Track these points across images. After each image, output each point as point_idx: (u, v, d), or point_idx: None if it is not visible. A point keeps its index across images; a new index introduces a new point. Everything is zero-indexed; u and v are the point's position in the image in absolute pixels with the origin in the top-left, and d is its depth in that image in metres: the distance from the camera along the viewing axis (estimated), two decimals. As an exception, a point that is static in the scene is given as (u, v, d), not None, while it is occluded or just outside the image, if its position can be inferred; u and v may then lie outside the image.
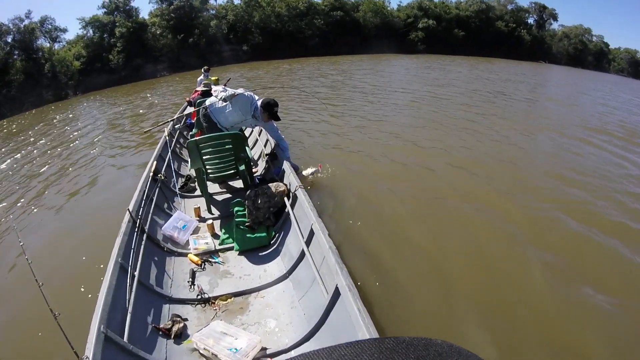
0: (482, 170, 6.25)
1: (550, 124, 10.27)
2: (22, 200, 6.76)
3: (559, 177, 6.22)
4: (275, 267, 3.12)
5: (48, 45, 34.88)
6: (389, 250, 3.93)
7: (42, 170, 8.73)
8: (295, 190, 3.59)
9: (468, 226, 4.50)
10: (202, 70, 9.32)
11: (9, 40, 31.34)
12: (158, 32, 37.83)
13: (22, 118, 22.53)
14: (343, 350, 0.35)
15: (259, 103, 4.23)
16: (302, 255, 2.92)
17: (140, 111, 15.55)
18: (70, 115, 19.04)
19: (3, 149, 12.77)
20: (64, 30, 36.53)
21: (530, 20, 52.06)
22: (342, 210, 4.72)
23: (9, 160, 10.42)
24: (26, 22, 32.43)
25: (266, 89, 11.57)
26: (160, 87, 23.39)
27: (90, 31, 36.77)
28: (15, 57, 31.04)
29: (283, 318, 2.56)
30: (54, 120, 17.91)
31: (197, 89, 7.99)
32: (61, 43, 36.64)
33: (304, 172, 4.80)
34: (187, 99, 8.59)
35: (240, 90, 4.25)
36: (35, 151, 11.06)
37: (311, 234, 2.94)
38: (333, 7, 42.74)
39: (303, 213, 3.24)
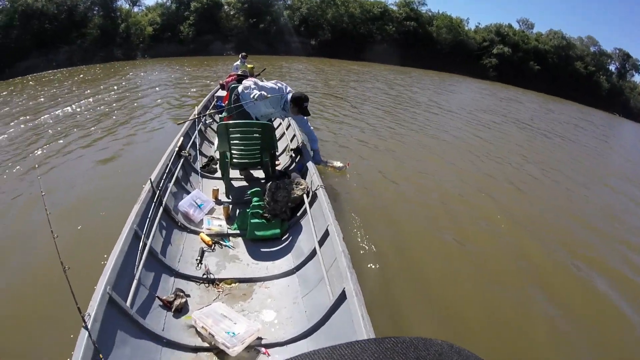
0: (529, 221, 5.65)
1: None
2: (60, 148, 6.96)
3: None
4: (284, 261, 3.13)
5: (127, 7, 36.42)
6: (402, 268, 3.88)
7: (94, 120, 9.23)
8: (315, 189, 3.57)
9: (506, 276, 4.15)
10: (240, 55, 9.47)
11: None
12: (232, 13, 38.29)
13: (92, 69, 23.76)
14: (343, 350, 0.35)
15: (289, 97, 4.24)
16: (312, 253, 2.92)
17: (200, 81, 16.22)
18: (142, 74, 20.37)
19: (76, 92, 13.90)
20: None
21: (612, 67, 49.13)
22: (365, 218, 4.64)
23: (72, 106, 11.07)
24: None
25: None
26: (225, 65, 23.46)
27: (169, 1, 37.66)
28: (94, 12, 32.46)
29: (284, 312, 2.57)
30: (127, 76, 19.28)
31: (232, 73, 8.02)
32: (140, 7, 38.25)
33: (333, 164, 4.91)
34: (221, 82, 8.50)
35: (270, 84, 4.25)
36: (95, 101, 11.89)
37: (325, 234, 2.92)
38: (408, 16, 41.76)
39: (320, 213, 3.23)
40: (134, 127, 8.61)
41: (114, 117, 9.51)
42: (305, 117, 4.53)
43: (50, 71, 24.27)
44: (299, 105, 4.20)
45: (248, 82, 4.29)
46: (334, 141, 8.03)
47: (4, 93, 15.36)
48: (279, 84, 4.29)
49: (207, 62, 27.03)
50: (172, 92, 14.35)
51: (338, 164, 5.00)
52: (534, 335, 3.24)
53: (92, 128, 8.45)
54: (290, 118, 5.87)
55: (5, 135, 8.15)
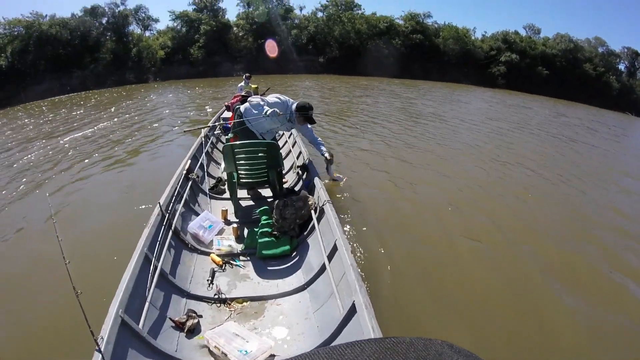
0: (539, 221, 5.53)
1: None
2: (70, 173, 7.16)
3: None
4: (294, 278, 3.13)
5: (138, 31, 37.61)
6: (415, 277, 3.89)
7: (104, 144, 9.37)
8: (323, 205, 3.59)
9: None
10: (244, 77, 9.55)
11: (104, 22, 34.04)
12: (240, 34, 39.04)
13: (105, 93, 24.51)
14: (343, 350, 0.36)
15: (294, 107, 4.26)
16: (322, 269, 2.93)
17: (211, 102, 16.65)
18: (154, 97, 21.02)
19: (88, 117, 14.40)
20: (156, 20, 39.56)
21: (621, 67, 48.33)
22: (375, 229, 4.70)
23: (84, 130, 11.55)
24: (121, 8, 35.31)
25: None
26: (234, 85, 23.99)
27: (179, 24, 38.82)
28: (107, 38, 33.51)
29: (296, 328, 2.57)
30: (139, 99, 20.19)
31: (237, 93, 8.30)
32: (152, 31, 39.49)
33: (333, 174, 4.97)
34: (226, 103, 8.75)
35: (274, 99, 4.29)
36: (107, 126, 12.19)
37: (334, 249, 2.94)
38: (414, 29, 42.03)
39: (328, 228, 3.26)
40: (143, 150, 8.76)
41: (124, 141, 9.72)
42: (310, 126, 4.56)
43: (65, 95, 24.78)
44: (305, 115, 4.26)
45: (254, 99, 4.33)
46: (343, 153, 8.14)
47: (20, 114, 15.69)
48: (281, 98, 4.33)
49: (217, 82, 27.88)
50: (182, 113, 14.75)
51: (338, 175, 5.15)
52: (558, 342, 3.16)
53: (102, 153, 8.63)
54: (295, 134, 6.05)
55: (19, 161, 8.39)
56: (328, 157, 4.73)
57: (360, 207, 5.28)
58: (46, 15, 30.74)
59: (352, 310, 2.25)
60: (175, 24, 39.14)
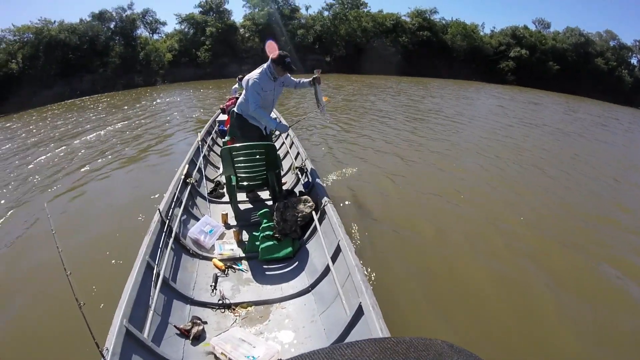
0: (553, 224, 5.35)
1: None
2: (70, 181, 7.10)
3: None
4: (298, 280, 3.11)
5: (146, 35, 38.06)
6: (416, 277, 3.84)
7: (106, 149, 9.37)
8: (324, 205, 3.55)
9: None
10: (237, 79, 9.31)
11: (112, 26, 34.55)
12: (247, 35, 39.17)
13: (115, 96, 24.93)
14: (343, 350, 0.36)
15: (267, 63, 3.99)
16: (326, 270, 2.91)
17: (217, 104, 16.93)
18: (161, 99, 21.48)
19: (96, 121, 14.84)
20: (164, 24, 40.08)
21: (633, 61, 47.10)
22: (378, 228, 4.71)
23: (90, 135, 11.81)
24: (128, 12, 35.82)
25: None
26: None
27: (186, 27, 39.15)
28: (115, 42, 33.94)
29: (302, 331, 2.55)
30: (147, 102, 20.65)
31: (232, 96, 8.20)
32: (160, 35, 39.87)
33: (323, 98, 4.39)
34: (221, 106, 8.70)
35: (256, 74, 4.01)
36: (113, 130, 12.30)
37: (337, 250, 2.92)
38: (421, 26, 41.79)
39: (330, 229, 3.24)
40: (144, 155, 8.75)
41: (128, 146, 9.74)
42: (290, 75, 4.27)
43: (77, 99, 25.12)
44: (282, 64, 3.95)
45: (244, 91, 4.16)
46: (347, 150, 8.16)
47: (34, 117, 15.98)
48: (260, 68, 4.06)
49: (224, 84, 27.74)
50: (189, 114, 14.85)
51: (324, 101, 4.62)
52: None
53: (104, 158, 8.63)
54: (292, 135, 6.03)
55: (25, 166, 8.53)
56: (316, 76, 4.27)
57: (362, 207, 5.24)
58: (55, 21, 31.29)
59: (359, 312, 2.23)
60: (182, 27, 39.59)
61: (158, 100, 20.38)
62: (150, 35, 38.68)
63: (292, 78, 4.30)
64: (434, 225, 4.93)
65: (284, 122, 6.07)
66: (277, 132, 6.22)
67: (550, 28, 47.06)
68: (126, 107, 18.04)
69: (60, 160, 8.76)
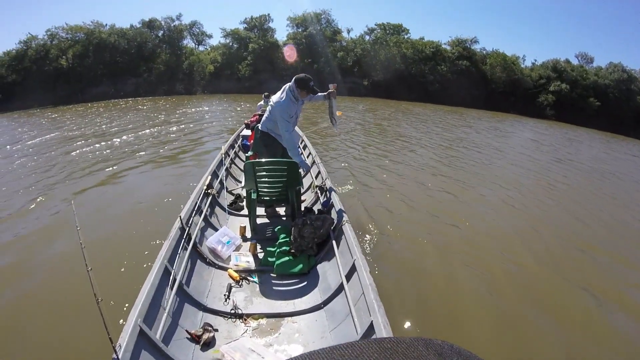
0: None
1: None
2: (98, 178, 7.46)
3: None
4: (311, 296, 3.13)
5: (191, 46, 39.80)
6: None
7: (140, 150, 9.87)
8: (341, 225, 3.59)
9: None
10: (263, 96, 9.42)
11: (160, 34, 36.23)
12: (288, 54, 40.03)
13: (158, 100, 26.03)
14: (343, 351, 0.36)
15: (292, 84, 4.07)
16: (340, 288, 2.94)
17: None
18: (198, 109, 21.88)
19: (139, 122, 15.50)
20: (210, 36, 41.86)
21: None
22: (393, 250, 4.77)
23: (127, 135, 12.86)
24: (176, 22, 37.78)
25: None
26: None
27: (230, 41, 40.55)
28: (161, 49, 35.66)
29: (311, 346, 2.57)
30: (190, 108, 21.45)
31: (256, 112, 8.23)
32: (205, 46, 41.44)
33: (336, 112, 4.47)
34: (246, 121, 8.83)
35: (276, 98, 4.17)
36: (151, 133, 13.01)
37: (352, 269, 2.94)
38: (460, 55, 41.62)
39: (346, 247, 3.28)
40: (172, 161, 9.00)
41: (159, 150, 10.13)
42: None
43: (120, 100, 26.00)
44: (307, 88, 4.07)
45: (275, 113, 4.18)
46: (374, 174, 8.17)
47: (81, 110, 16.47)
48: (279, 93, 4.20)
49: (261, 99, 28.71)
50: (223, 124, 15.40)
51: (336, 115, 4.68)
52: None
53: (136, 159, 8.98)
54: (314, 155, 6.13)
55: (59, 157, 9.07)
56: (331, 90, 4.38)
57: (378, 229, 5.24)
58: (106, 25, 33.07)
59: (370, 330, 2.26)
60: (226, 41, 40.86)
61: (197, 109, 21.04)
62: (196, 46, 40.27)
63: (311, 97, 4.40)
64: (447, 253, 4.87)
65: (307, 160, 6.26)
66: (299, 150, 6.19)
67: (594, 63, 46.05)
68: (166, 112, 18.76)
69: (97, 155, 9.21)
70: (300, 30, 41.89)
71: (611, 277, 4.86)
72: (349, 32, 45.59)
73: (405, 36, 43.59)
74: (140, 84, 30.70)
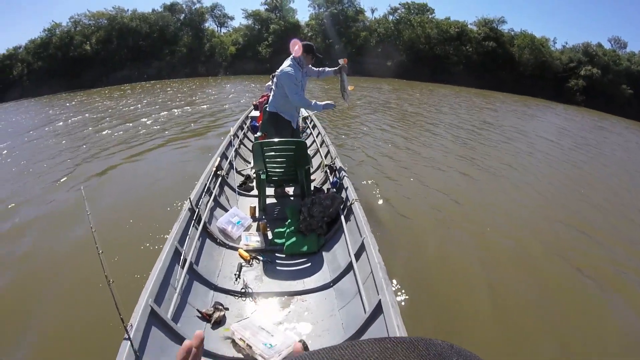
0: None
1: None
2: (111, 162, 7.56)
3: None
4: (320, 275, 3.15)
5: (212, 28, 40.04)
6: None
7: (155, 133, 9.98)
8: (351, 204, 3.61)
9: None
10: (271, 76, 9.11)
11: (181, 17, 36.44)
12: (309, 35, 39.40)
13: (181, 82, 26.65)
14: (343, 351, 0.36)
15: (292, 55, 4.19)
16: (349, 267, 2.96)
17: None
18: (219, 90, 22.78)
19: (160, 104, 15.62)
20: (232, 18, 41.69)
21: None
22: (403, 227, 4.82)
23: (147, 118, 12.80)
24: (197, 5, 37.95)
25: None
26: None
27: (252, 22, 40.39)
28: (183, 32, 35.85)
29: (321, 324, 2.59)
30: (207, 89, 21.75)
31: (265, 93, 8.01)
32: (227, 29, 41.74)
33: (348, 87, 4.47)
34: (254, 102, 8.81)
35: (286, 67, 4.17)
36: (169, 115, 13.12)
37: (361, 247, 2.96)
38: (487, 36, 40.16)
39: (355, 227, 3.28)
40: (189, 142, 9.13)
41: (179, 132, 10.28)
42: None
43: (145, 82, 26.31)
44: (311, 52, 4.19)
45: (282, 84, 4.20)
46: (388, 155, 8.04)
47: (114, 94, 16.70)
48: (287, 61, 4.22)
49: None
50: (242, 104, 15.21)
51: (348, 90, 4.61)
52: None
53: (153, 141, 9.16)
54: (323, 134, 6.12)
55: (85, 138, 9.23)
56: (342, 64, 4.36)
57: (389, 208, 5.29)
58: (128, 10, 33.24)
59: (378, 309, 2.26)
60: (248, 22, 40.61)
61: (217, 90, 21.40)
62: (218, 28, 40.14)
63: (313, 68, 4.45)
64: (458, 235, 4.86)
65: (326, 102, 6.13)
66: (308, 130, 6.52)
67: (627, 48, 44.02)
68: (189, 93, 19.14)
69: (120, 137, 9.44)
70: (322, 10, 41.07)
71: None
72: (373, 12, 44.56)
73: (430, 16, 42.24)
74: (163, 67, 31.20)
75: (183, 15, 36.15)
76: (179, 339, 2.19)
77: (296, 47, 4.14)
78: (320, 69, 4.52)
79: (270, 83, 9.08)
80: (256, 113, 7.77)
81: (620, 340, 3.34)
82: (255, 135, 6.25)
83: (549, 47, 41.29)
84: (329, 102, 4.34)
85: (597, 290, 4.03)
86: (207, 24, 38.38)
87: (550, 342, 3.15)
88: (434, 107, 18.25)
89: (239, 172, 5.27)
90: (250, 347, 2.24)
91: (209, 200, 3.92)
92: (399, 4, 43.02)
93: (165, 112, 13.17)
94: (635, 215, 6.40)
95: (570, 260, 4.51)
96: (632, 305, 3.80)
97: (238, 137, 6.59)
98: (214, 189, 4.19)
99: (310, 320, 2.65)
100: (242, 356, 2.28)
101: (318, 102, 4.28)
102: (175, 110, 13.57)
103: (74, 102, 19.02)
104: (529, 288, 3.89)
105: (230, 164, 5.19)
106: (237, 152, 5.92)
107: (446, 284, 3.82)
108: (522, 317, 3.46)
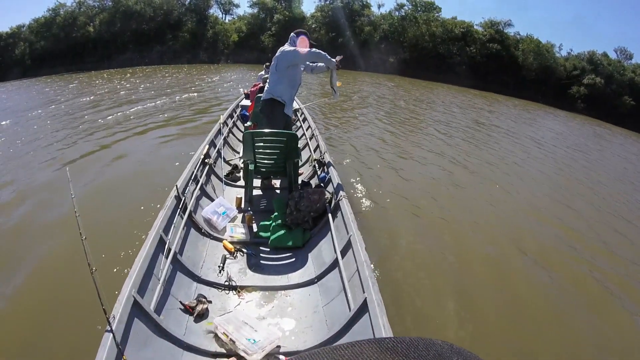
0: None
1: None
2: (96, 147, 7.35)
3: None
4: (305, 270, 3.12)
5: (217, 14, 39.67)
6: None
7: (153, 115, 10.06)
8: (338, 199, 3.54)
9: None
10: (264, 66, 9.06)
11: (186, 3, 36.34)
12: (313, 26, 39.26)
13: (182, 68, 26.26)
14: (342, 351, 0.36)
15: (294, 36, 4.17)
16: (334, 263, 2.92)
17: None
18: (219, 77, 22.07)
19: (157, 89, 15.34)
20: (237, 6, 41.43)
21: None
22: (389, 226, 4.78)
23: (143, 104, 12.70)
24: None
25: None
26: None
27: (257, 10, 40.16)
28: (187, 18, 35.59)
29: (304, 321, 2.57)
30: (207, 77, 21.31)
31: (257, 82, 7.89)
32: (233, 16, 41.40)
33: (337, 82, 4.44)
34: (245, 91, 8.73)
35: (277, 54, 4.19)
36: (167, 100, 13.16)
37: (348, 244, 2.91)
38: (492, 38, 40.10)
39: (342, 223, 3.23)
40: (181, 129, 9.03)
41: (173, 119, 10.20)
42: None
43: (145, 67, 26.23)
44: (305, 34, 4.16)
45: (277, 62, 4.18)
46: (378, 152, 7.96)
47: (106, 75, 16.71)
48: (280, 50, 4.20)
49: None
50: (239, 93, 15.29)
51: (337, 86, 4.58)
52: None
53: (146, 126, 9.08)
54: (313, 128, 6.03)
55: (82, 120, 9.12)
56: (337, 62, 4.28)
57: (376, 205, 5.26)
58: None
59: (364, 307, 2.24)
60: (253, 10, 40.37)
61: (217, 77, 21.01)
62: (222, 15, 39.95)
63: (308, 62, 4.44)
64: (445, 233, 4.89)
65: (306, 133, 6.22)
66: (298, 123, 6.50)
67: (632, 60, 43.65)
68: (184, 81, 18.83)
69: (114, 120, 9.43)
70: (327, 2, 40.90)
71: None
72: (379, 7, 44.32)
73: (437, 15, 42.06)
74: (165, 52, 31.10)
75: (188, 0, 36.03)
76: (161, 331, 2.17)
77: (303, 43, 4.08)
78: (314, 64, 4.52)
79: (263, 72, 8.85)
80: (247, 102, 7.68)
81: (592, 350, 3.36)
82: (245, 124, 6.22)
83: (554, 53, 41.19)
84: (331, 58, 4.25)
85: (569, 297, 4.04)
86: (211, 11, 38.36)
87: (528, 342, 3.19)
88: (430, 106, 18.30)
89: (226, 162, 5.17)
90: (234, 342, 2.21)
91: (195, 188, 3.85)
92: (406, 0, 42.81)
93: (163, 98, 13.13)
94: (619, 224, 6.44)
95: (547, 263, 4.54)
96: (606, 319, 3.79)
97: (227, 126, 6.51)
98: (200, 177, 4.11)
99: (294, 316, 2.62)
100: (224, 351, 2.25)
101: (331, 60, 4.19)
102: (172, 96, 13.52)
103: (75, 83, 19.04)
104: (503, 290, 3.92)
105: (219, 152, 5.14)
106: (225, 141, 5.85)
107: (434, 282, 3.83)
108: (496, 317, 3.48)
